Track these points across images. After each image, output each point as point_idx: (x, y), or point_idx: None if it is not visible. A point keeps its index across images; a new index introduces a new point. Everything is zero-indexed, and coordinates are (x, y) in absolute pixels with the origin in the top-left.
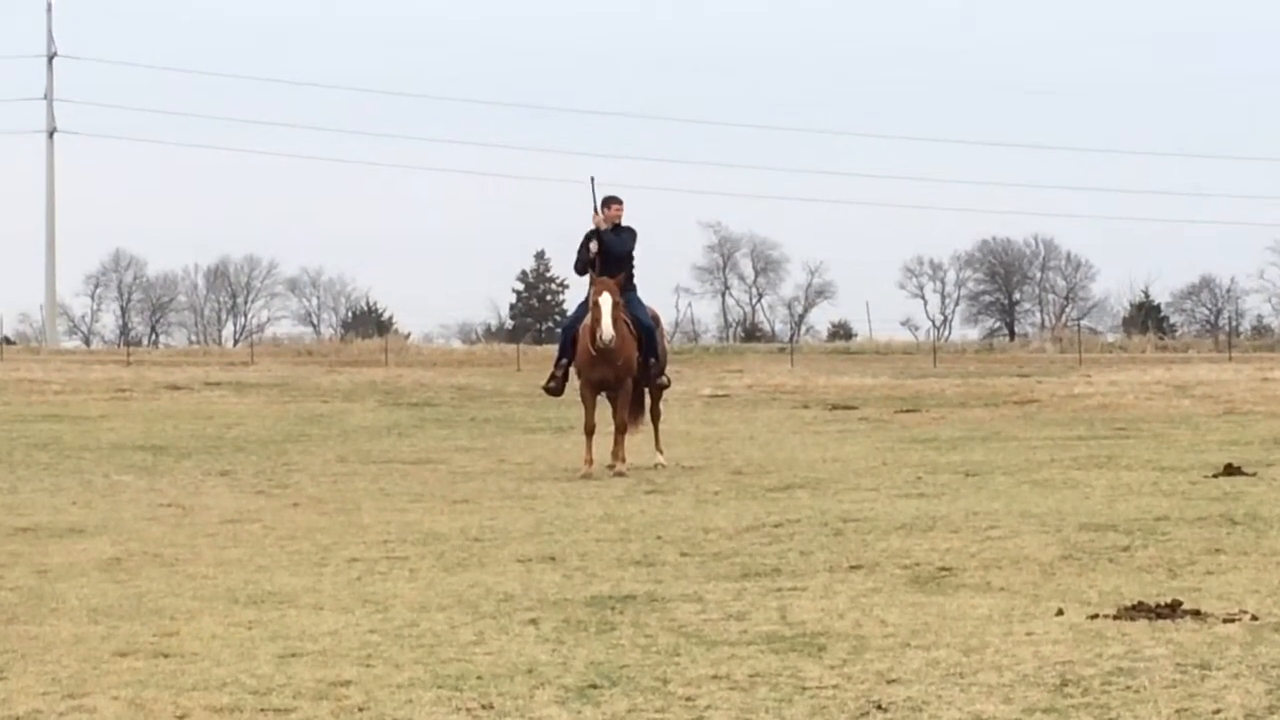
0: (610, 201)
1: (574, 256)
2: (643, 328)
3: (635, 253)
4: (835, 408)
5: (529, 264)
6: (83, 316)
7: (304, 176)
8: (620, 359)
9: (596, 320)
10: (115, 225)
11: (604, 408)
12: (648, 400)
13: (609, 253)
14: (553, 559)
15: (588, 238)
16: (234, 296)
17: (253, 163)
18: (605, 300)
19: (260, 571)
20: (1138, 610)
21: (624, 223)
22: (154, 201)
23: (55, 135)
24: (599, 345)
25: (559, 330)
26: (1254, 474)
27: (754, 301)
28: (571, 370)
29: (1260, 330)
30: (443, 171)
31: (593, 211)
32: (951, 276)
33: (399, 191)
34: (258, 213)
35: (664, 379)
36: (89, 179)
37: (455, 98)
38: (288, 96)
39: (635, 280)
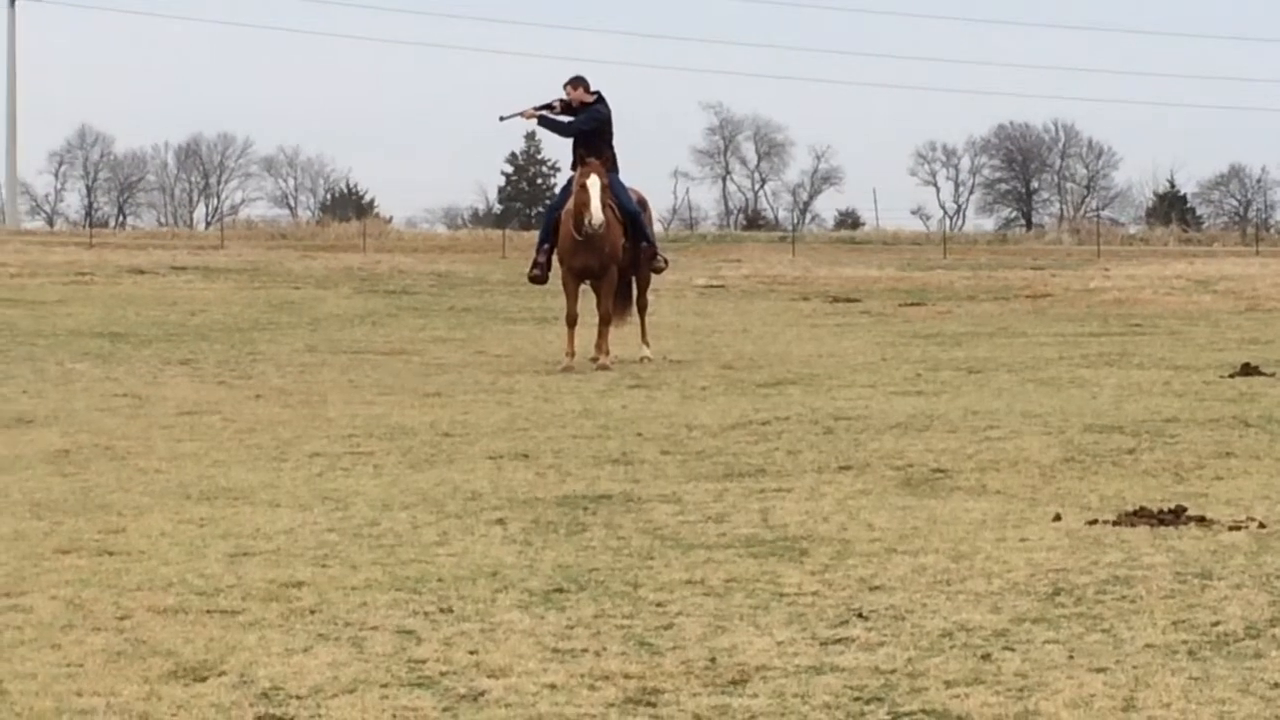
0: (575, 83)
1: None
2: (627, 213)
3: (614, 134)
4: (836, 300)
5: (519, 145)
6: (46, 196)
7: (283, 49)
8: (606, 245)
9: (584, 204)
10: (81, 100)
11: (588, 298)
12: (634, 290)
13: (570, 135)
14: (525, 456)
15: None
16: (206, 176)
17: (228, 34)
18: (593, 182)
19: (215, 466)
20: (1139, 516)
21: (596, 104)
22: (123, 75)
23: (16, 2)
24: (587, 230)
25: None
26: (1272, 374)
27: (756, 188)
28: (554, 258)
29: None
30: (431, 46)
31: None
32: (966, 163)
33: (384, 68)
34: (233, 88)
35: (660, 260)
36: (53, 49)
37: None
38: None
39: (618, 163)
